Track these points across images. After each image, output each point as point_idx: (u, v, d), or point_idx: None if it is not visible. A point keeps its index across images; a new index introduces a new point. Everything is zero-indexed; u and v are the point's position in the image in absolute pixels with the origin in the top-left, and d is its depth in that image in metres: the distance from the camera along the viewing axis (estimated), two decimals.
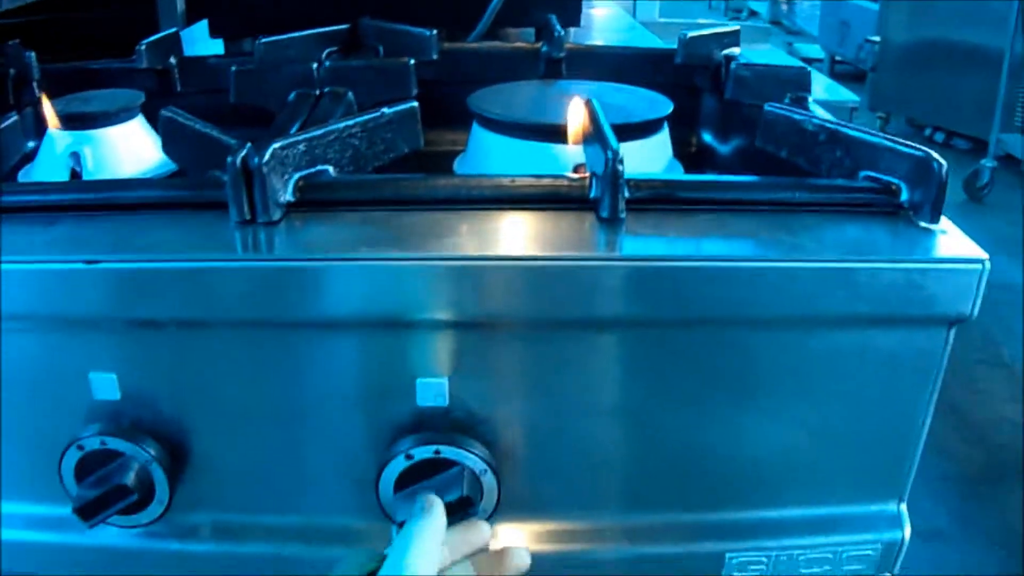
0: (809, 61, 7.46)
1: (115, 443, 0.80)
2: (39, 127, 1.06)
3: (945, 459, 2.81)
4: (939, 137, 6.13)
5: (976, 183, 5.20)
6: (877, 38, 6.24)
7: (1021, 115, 5.28)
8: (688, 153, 1.29)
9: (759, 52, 2.74)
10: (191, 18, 1.76)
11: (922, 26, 5.93)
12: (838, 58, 7.61)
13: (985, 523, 2.59)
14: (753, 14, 10.70)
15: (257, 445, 0.83)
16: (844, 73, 7.49)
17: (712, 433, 0.84)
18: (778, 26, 9.73)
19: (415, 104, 0.90)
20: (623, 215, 0.79)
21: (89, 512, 0.79)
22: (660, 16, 3.10)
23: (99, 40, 1.73)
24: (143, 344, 0.79)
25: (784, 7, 10.14)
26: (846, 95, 2.54)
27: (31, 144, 1.12)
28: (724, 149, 1.25)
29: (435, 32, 1.27)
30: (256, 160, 0.77)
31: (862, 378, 0.81)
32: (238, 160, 0.77)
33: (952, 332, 0.79)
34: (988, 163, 5.20)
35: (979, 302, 0.77)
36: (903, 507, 0.89)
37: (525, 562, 0.79)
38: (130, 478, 0.79)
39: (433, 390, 0.79)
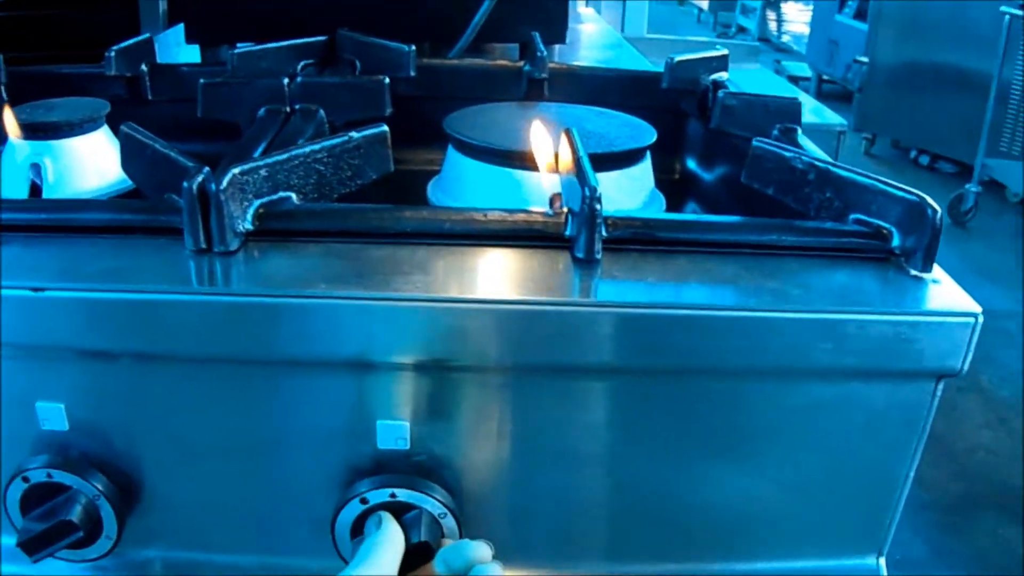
0: (796, 80, 7.50)
1: (62, 476, 0.77)
2: (3, 131, 1.02)
3: (922, 488, 2.79)
4: (924, 160, 6.15)
5: (960, 207, 5.20)
6: (865, 58, 6.25)
7: (1007, 140, 5.28)
8: (672, 180, 1.26)
9: (747, 72, 2.72)
10: (173, 19, 1.73)
11: (911, 48, 5.95)
12: (825, 77, 7.61)
13: (960, 552, 2.58)
14: (742, 30, 10.70)
15: (211, 482, 0.80)
16: (831, 93, 7.50)
17: (687, 483, 0.80)
18: (766, 43, 9.74)
19: (385, 129, 0.87)
20: (599, 256, 0.76)
21: (34, 547, 0.76)
22: (648, 32, 3.07)
23: (78, 38, 1.70)
24: (93, 374, 0.75)
25: (773, 25, 10.16)
26: (833, 118, 2.51)
27: None
28: (709, 177, 1.23)
29: (413, 48, 1.23)
30: (214, 186, 0.73)
31: (845, 431, 0.78)
32: (194, 186, 0.73)
33: (940, 386, 0.76)
34: (973, 188, 5.20)
35: (970, 357, 0.73)
36: (882, 561, 0.85)
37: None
38: (77, 513, 0.76)
39: (394, 432, 0.76)
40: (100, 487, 0.77)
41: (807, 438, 0.79)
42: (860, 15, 6.95)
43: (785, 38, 9.89)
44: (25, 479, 0.77)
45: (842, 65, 7.06)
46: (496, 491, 0.80)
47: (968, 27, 5.50)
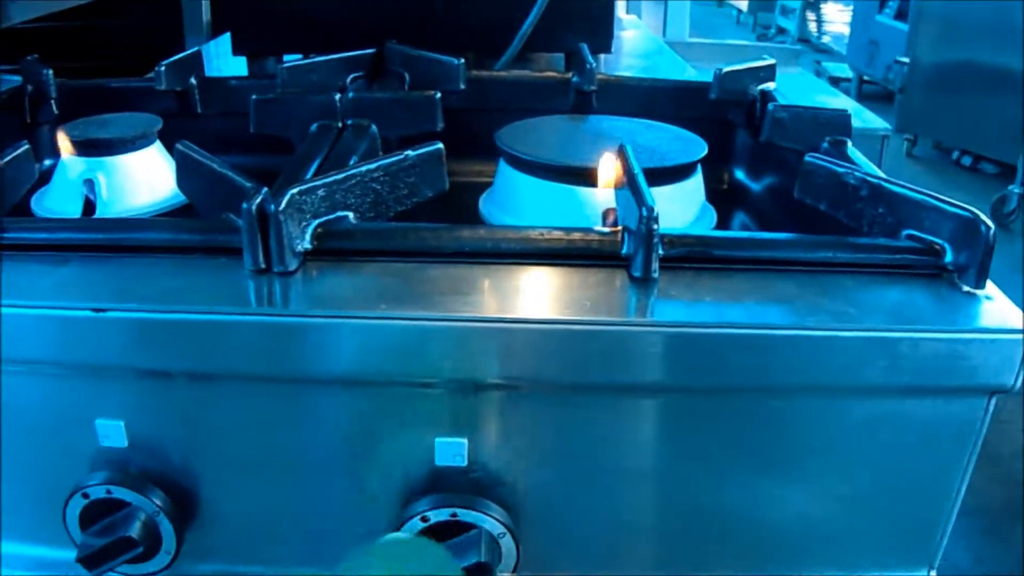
0: (837, 81, 7.45)
1: (121, 492, 0.77)
2: (55, 146, 1.03)
3: (966, 494, 2.76)
4: (967, 160, 6.09)
5: (1003, 209, 5.16)
6: (906, 59, 6.19)
7: None
8: (720, 190, 1.26)
9: (788, 76, 2.71)
10: (217, 29, 1.74)
11: (952, 48, 5.89)
12: (866, 78, 7.54)
13: (1003, 558, 2.56)
14: (781, 31, 10.65)
15: (268, 498, 0.80)
16: (872, 93, 7.44)
17: (740, 498, 0.80)
18: (806, 43, 9.69)
19: (440, 146, 0.87)
20: (656, 275, 0.76)
21: (93, 562, 0.76)
22: (690, 36, 3.07)
23: (124, 47, 1.72)
24: (152, 393, 0.76)
25: (813, 25, 10.11)
26: (877, 122, 2.49)
27: (48, 163, 1.09)
28: (757, 187, 1.22)
29: (462, 61, 1.23)
30: (272, 207, 0.74)
31: (897, 447, 0.78)
32: (254, 207, 0.74)
33: (992, 401, 0.76)
34: (1016, 188, 5.16)
35: (1023, 373, 0.73)
36: (933, 574, 0.85)
37: None
38: (136, 529, 0.77)
39: (452, 450, 0.76)
40: (159, 503, 0.77)
41: (860, 454, 0.78)
42: (901, 15, 6.90)
43: (825, 39, 9.84)
44: (85, 495, 0.77)
45: (883, 66, 7.01)
46: (550, 506, 0.80)
47: (1009, 26, 5.44)
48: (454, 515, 0.76)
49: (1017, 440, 3.05)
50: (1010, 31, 5.41)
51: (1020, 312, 0.74)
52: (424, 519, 0.76)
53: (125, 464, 0.78)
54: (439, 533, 0.76)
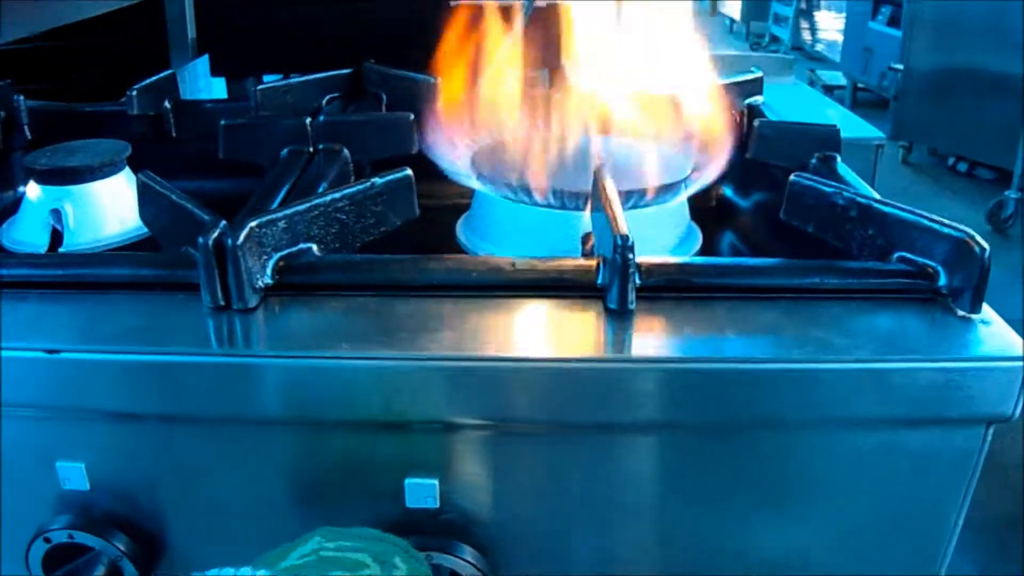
0: (831, 88, 7.43)
1: (84, 537, 0.75)
2: (23, 177, 1.00)
3: (970, 506, 2.74)
4: (962, 167, 6.08)
5: (1000, 214, 5.14)
6: (900, 66, 6.18)
7: None
8: (708, 208, 1.23)
9: (782, 86, 2.69)
10: (202, 49, 1.72)
11: (946, 54, 5.88)
12: (861, 85, 7.53)
13: (1009, 572, 2.54)
14: (775, 39, 10.63)
15: (234, 541, 0.78)
16: (866, 101, 7.43)
17: (734, 534, 0.78)
18: (800, 52, 9.68)
19: (408, 173, 0.84)
20: (632, 306, 0.73)
21: None
22: None
23: (110, 66, 1.69)
24: (112, 434, 0.74)
25: (807, 33, 10.10)
26: (870, 131, 2.45)
27: (21, 190, 1.06)
28: (746, 204, 1.19)
29: (439, 80, 1.20)
30: (230, 241, 0.71)
31: (893, 478, 0.75)
32: (210, 241, 0.71)
33: (991, 431, 0.73)
34: (1012, 194, 5.14)
35: (1022, 402, 0.70)
36: None
37: None
38: (99, 574, 0.74)
39: (423, 491, 0.73)
40: (122, 547, 0.76)
41: (854, 486, 0.76)
42: (894, 22, 6.89)
43: (819, 47, 9.83)
44: (47, 540, 0.75)
45: (877, 73, 7.00)
46: (529, 549, 0.77)
47: (1003, 32, 5.43)
48: (429, 557, 0.73)
49: (1020, 451, 3.03)
50: (1005, 35, 5.41)
51: (1019, 338, 0.71)
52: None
53: (88, 507, 0.76)
54: None
